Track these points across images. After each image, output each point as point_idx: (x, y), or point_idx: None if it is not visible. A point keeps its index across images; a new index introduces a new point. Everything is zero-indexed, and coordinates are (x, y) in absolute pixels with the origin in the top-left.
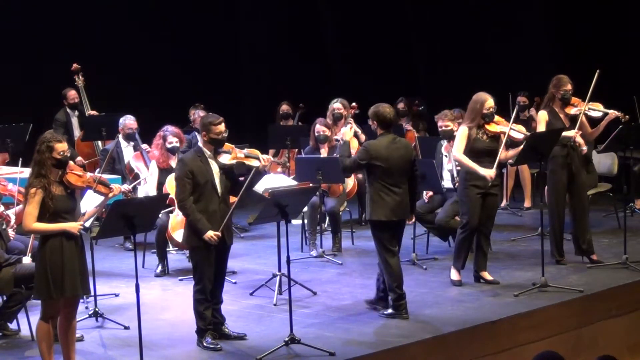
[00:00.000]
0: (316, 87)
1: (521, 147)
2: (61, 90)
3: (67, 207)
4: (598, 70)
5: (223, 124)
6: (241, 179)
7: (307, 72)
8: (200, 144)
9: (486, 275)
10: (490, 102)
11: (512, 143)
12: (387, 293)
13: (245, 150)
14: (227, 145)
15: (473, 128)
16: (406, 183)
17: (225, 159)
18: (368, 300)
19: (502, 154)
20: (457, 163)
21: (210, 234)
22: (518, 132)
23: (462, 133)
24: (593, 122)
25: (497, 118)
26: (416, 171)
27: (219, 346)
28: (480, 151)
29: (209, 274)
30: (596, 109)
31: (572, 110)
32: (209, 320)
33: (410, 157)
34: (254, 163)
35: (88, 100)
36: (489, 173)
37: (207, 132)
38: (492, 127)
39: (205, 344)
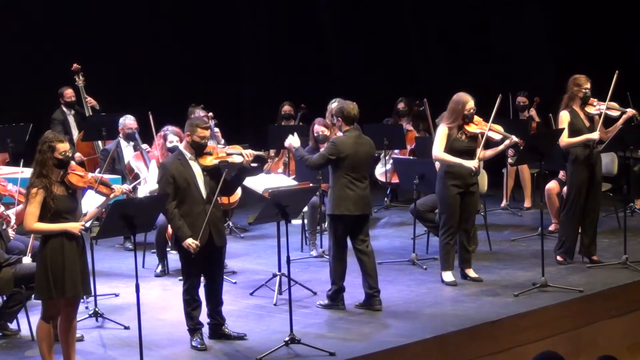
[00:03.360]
0: (316, 87)
1: (499, 148)
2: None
3: (68, 207)
4: (617, 72)
5: (208, 130)
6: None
7: (307, 72)
8: (181, 146)
9: (471, 272)
10: (471, 103)
11: (489, 143)
12: (373, 290)
13: (227, 148)
14: (208, 147)
15: (453, 128)
16: (368, 178)
17: (208, 160)
18: (359, 304)
19: (481, 153)
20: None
21: (189, 241)
22: (496, 132)
23: (442, 132)
24: (609, 120)
25: (476, 119)
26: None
27: (204, 346)
28: (459, 151)
29: (194, 274)
30: (614, 108)
31: (592, 110)
32: (198, 320)
33: (373, 153)
34: (237, 159)
35: (92, 110)
36: (472, 164)
37: (192, 134)
38: (471, 128)
39: (193, 344)
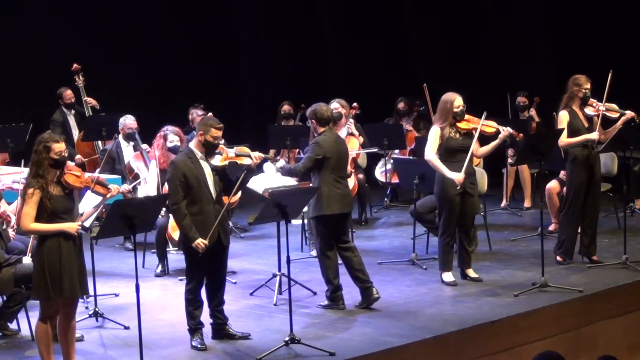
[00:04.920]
0: (316, 87)
1: (494, 142)
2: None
3: (65, 207)
4: (611, 71)
5: (222, 131)
6: (234, 179)
7: (307, 71)
8: (192, 144)
9: (471, 272)
10: (459, 100)
11: (484, 138)
12: (365, 282)
13: (235, 149)
14: (218, 147)
15: (445, 128)
16: (347, 176)
17: (217, 160)
18: (358, 304)
19: (475, 148)
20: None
21: (199, 241)
22: (489, 127)
23: (434, 133)
24: (608, 122)
25: (467, 116)
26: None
27: (204, 346)
28: (455, 149)
29: (199, 274)
30: (613, 110)
31: (590, 111)
32: (199, 320)
33: (348, 153)
34: (245, 161)
35: (92, 110)
36: (457, 177)
37: (205, 133)
38: (463, 125)
39: (193, 344)
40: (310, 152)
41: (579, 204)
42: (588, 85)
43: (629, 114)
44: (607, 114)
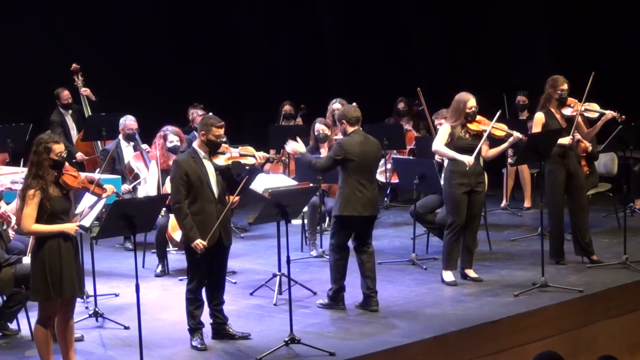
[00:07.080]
0: (316, 87)
1: (503, 145)
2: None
3: (63, 208)
4: (593, 73)
5: (223, 129)
6: (238, 178)
7: (307, 72)
8: (195, 144)
9: (471, 272)
10: (472, 101)
11: (493, 141)
12: (370, 290)
13: (240, 149)
14: (222, 146)
15: (456, 127)
16: (375, 180)
17: (221, 160)
18: (358, 305)
19: (484, 151)
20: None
21: (198, 241)
22: (499, 130)
23: (444, 129)
24: (590, 122)
25: (479, 117)
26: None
27: (204, 346)
28: (463, 149)
29: (200, 274)
30: (592, 110)
31: (568, 112)
32: (199, 319)
33: (380, 155)
34: (249, 161)
35: (88, 101)
36: (468, 159)
37: (206, 133)
38: (474, 126)
39: (193, 344)
40: (331, 152)
41: (560, 203)
42: (565, 87)
43: (609, 113)
44: (586, 114)
